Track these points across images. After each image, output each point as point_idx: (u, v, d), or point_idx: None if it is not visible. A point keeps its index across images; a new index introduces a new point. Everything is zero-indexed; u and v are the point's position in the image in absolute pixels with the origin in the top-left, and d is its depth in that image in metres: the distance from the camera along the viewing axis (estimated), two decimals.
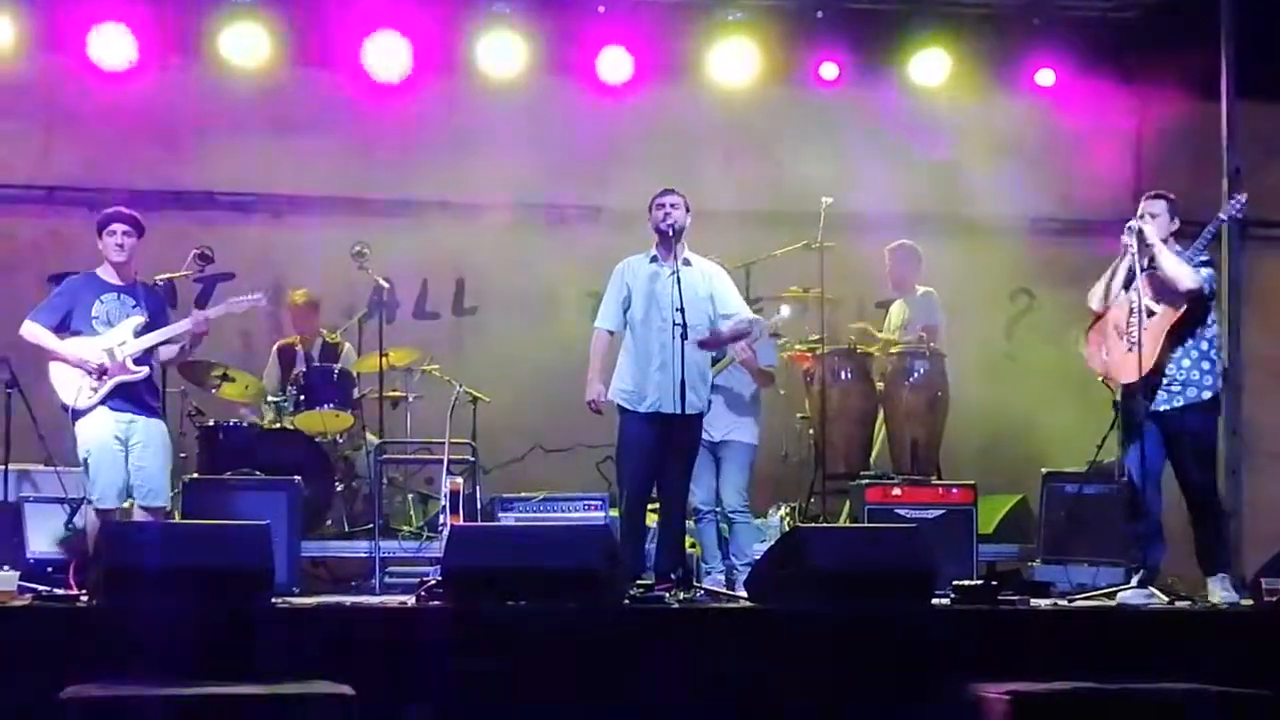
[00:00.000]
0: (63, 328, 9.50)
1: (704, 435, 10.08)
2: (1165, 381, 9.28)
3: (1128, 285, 9.38)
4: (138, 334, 9.52)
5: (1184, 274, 9.22)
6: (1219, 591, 9.22)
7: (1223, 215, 9.58)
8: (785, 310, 11.17)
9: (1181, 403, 9.31)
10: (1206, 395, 9.34)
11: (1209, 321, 9.41)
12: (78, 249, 10.71)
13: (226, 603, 7.92)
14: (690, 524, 10.25)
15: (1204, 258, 9.39)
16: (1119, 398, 9.58)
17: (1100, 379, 9.67)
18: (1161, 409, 9.29)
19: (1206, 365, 9.35)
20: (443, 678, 7.72)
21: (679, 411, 9.30)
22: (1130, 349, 9.23)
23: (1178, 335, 9.28)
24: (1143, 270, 9.23)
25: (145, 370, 9.53)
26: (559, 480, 11.62)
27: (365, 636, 7.91)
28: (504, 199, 12.89)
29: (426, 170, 12.75)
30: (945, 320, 11.85)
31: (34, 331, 9.51)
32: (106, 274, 9.62)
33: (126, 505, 9.57)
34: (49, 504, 10.52)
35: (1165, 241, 9.36)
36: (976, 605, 8.81)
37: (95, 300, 9.53)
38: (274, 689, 7.03)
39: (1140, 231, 9.23)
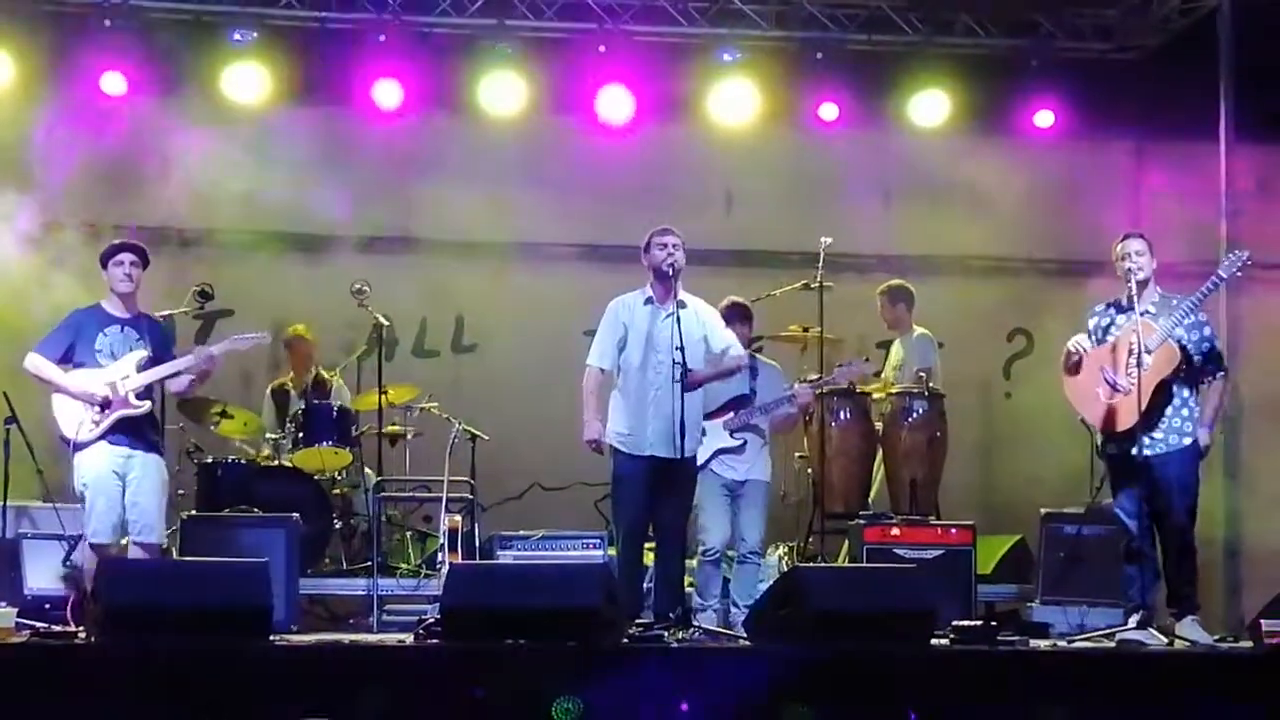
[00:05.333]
0: (66, 360, 9.46)
1: (729, 474, 10.23)
2: (1150, 427, 9.29)
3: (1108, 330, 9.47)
4: (141, 368, 9.46)
5: (1174, 360, 9.27)
6: (1191, 633, 9.22)
7: (1222, 273, 9.50)
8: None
9: (1164, 449, 9.33)
10: (1188, 441, 9.38)
11: (1193, 369, 9.42)
12: None
13: (225, 640, 7.92)
14: (692, 563, 10.23)
15: (1203, 317, 9.39)
16: (1100, 441, 9.59)
17: (1080, 419, 9.70)
18: (1146, 454, 9.29)
19: (1186, 412, 9.38)
20: (441, 716, 7.71)
21: (677, 455, 9.31)
22: (1128, 393, 9.24)
23: (1165, 382, 9.32)
24: (1142, 314, 9.26)
25: (147, 405, 9.48)
26: (557, 518, 11.60)
27: (363, 675, 7.89)
28: (504, 237, 12.93)
29: (426, 208, 12.81)
30: (939, 361, 11.85)
31: (37, 363, 9.45)
32: (111, 306, 9.58)
33: (124, 542, 9.52)
34: (47, 540, 10.48)
35: (1148, 282, 9.39)
36: (975, 646, 8.81)
37: (99, 333, 9.48)
38: None
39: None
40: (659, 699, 7.88)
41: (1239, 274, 9.60)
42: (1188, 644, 9.08)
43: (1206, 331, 9.42)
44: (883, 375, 12.00)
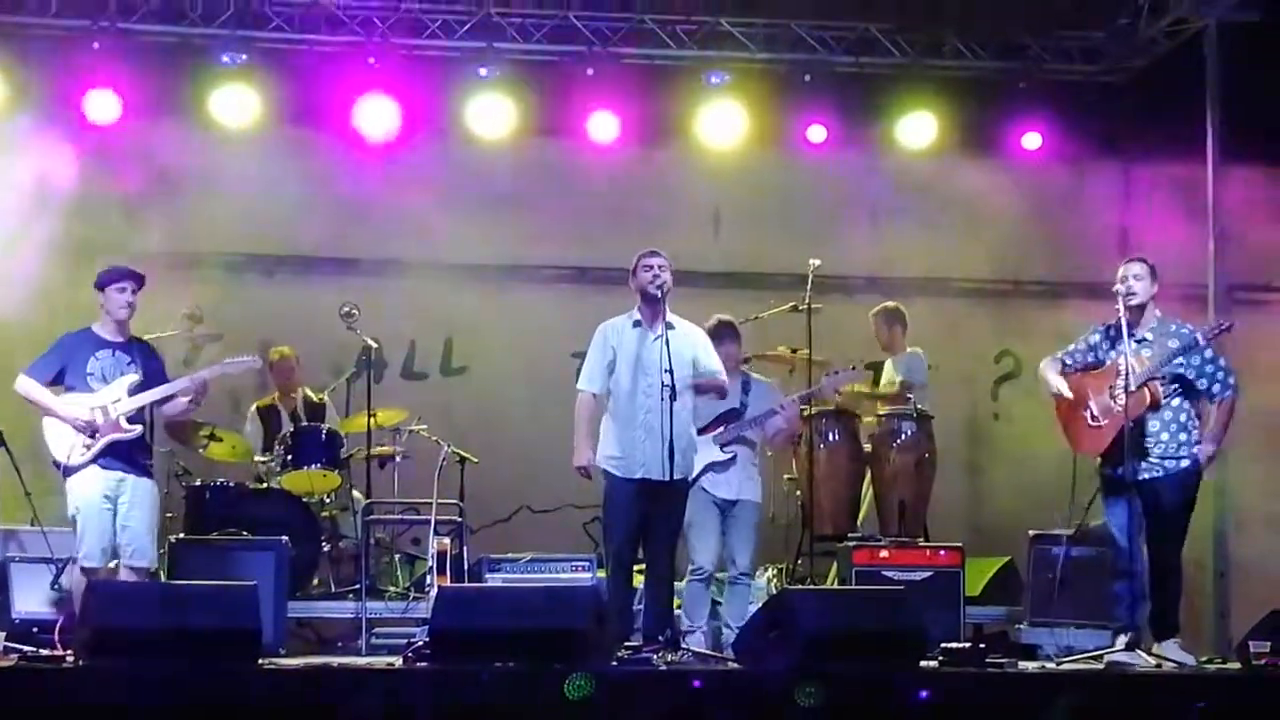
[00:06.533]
0: (56, 383, 9.45)
1: (721, 492, 10.19)
2: (1146, 451, 9.31)
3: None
4: (132, 392, 9.45)
5: (1144, 404, 9.30)
6: (1174, 655, 9.24)
7: (1199, 335, 9.50)
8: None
9: (1160, 473, 9.36)
10: (1185, 465, 9.40)
11: (1189, 394, 9.44)
12: None
13: (213, 664, 7.90)
14: (680, 584, 10.21)
15: (1203, 342, 9.40)
16: (1096, 463, 9.62)
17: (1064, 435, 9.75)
18: (1142, 478, 9.32)
19: (1184, 436, 9.41)
20: None
21: (667, 478, 9.31)
22: (1119, 411, 9.28)
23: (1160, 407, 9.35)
24: (1139, 340, 9.31)
25: (138, 429, 9.47)
26: (546, 541, 11.58)
27: (352, 698, 7.87)
28: (492, 259, 12.95)
29: (415, 231, 12.79)
30: (927, 380, 11.85)
31: (27, 386, 9.44)
32: (104, 330, 9.56)
33: (112, 565, 9.50)
34: (35, 564, 10.47)
35: (1145, 307, 9.41)
36: (964, 668, 8.81)
37: (90, 356, 9.46)
38: None
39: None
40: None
41: (1212, 337, 9.53)
42: (1175, 665, 9.08)
43: (1209, 354, 9.44)
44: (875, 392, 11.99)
